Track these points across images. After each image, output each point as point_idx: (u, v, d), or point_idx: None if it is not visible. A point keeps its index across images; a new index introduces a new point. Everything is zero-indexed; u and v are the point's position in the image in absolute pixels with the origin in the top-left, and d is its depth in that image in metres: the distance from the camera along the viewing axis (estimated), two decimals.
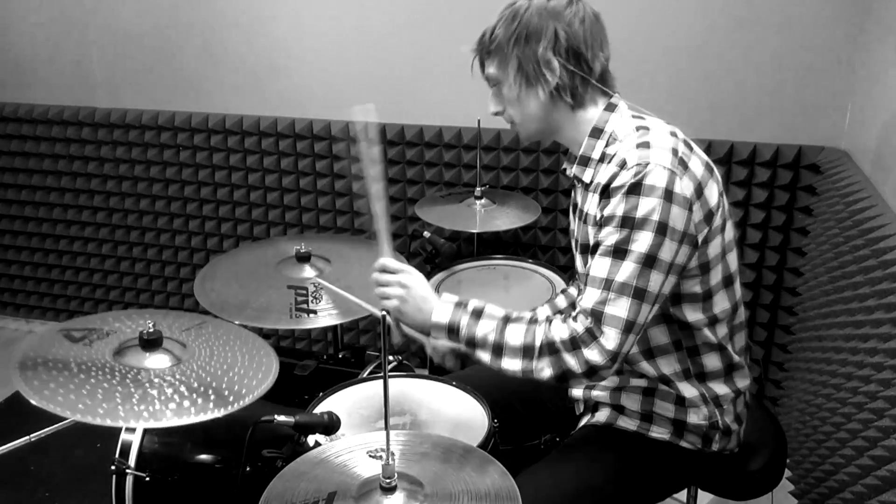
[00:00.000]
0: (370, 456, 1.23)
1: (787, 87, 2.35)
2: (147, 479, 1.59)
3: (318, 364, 2.06)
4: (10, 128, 3.13)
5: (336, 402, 1.64)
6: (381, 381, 1.40)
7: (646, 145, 1.34)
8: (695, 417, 1.48)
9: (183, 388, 1.38)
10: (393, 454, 1.18)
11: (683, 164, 1.34)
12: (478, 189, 2.47)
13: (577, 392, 1.63)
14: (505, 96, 1.47)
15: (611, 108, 1.45)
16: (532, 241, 2.74)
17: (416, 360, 2.96)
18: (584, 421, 1.61)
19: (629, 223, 1.30)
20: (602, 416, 1.56)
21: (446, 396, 1.66)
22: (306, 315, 1.80)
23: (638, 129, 1.40)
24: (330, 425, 1.41)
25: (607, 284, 1.31)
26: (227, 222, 3.04)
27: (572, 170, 1.49)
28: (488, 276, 2.37)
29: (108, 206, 3.15)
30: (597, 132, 1.44)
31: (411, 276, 1.48)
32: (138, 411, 1.32)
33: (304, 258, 2.03)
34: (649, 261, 1.30)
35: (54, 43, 2.98)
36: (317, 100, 2.78)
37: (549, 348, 1.33)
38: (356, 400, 1.65)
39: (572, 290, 1.79)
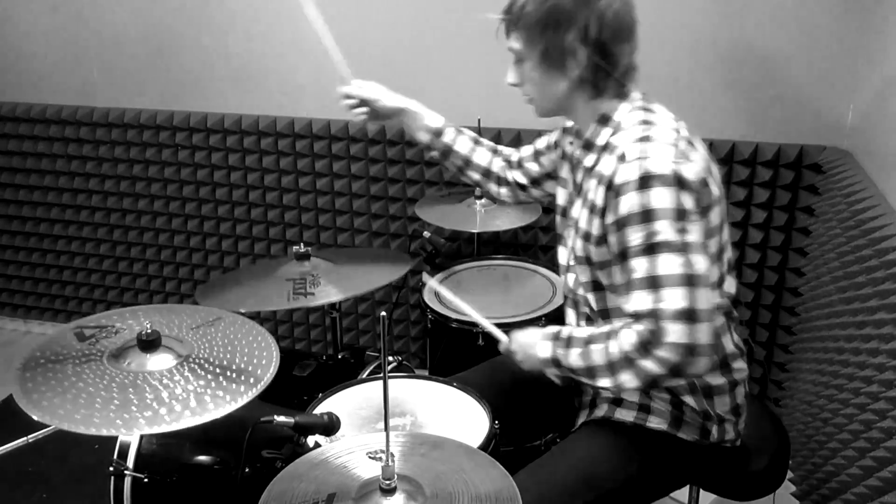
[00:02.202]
0: (370, 457, 1.22)
1: (789, 87, 2.34)
2: (145, 480, 1.58)
3: (318, 365, 2.06)
4: (7, 127, 3.11)
5: (335, 403, 1.63)
6: (380, 382, 1.39)
7: (646, 139, 1.35)
8: (689, 407, 1.49)
9: (199, 382, 1.39)
10: (393, 455, 1.17)
11: (685, 156, 1.34)
12: (478, 189, 2.46)
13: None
14: (525, 73, 1.47)
15: (622, 96, 1.45)
16: (532, 241, 2.73)
17: (416, 361, 2.96)
18: (582, 418, 1.61)
19: (648, 216, 1.29)
20: (600, 411, 1.57)
21: (447, 398, 1.65)
22: (304, 297, 1.82)
23: (642, 122, 1.40)
24: (330, 426, 1.40)
25: (653, 282, 1.29)
26: (226, 222, 3.03)
27: (574, 150, 1.51)
28: (488, 276, 2.37)
29: (106, 205, 3.14)
30: (605, 119, 1.45)
31: (516, 337, 1.54)
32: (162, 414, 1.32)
33: (303, 257, 2.02)
34: (684, 246, 1.28)
35: (52, 41, 2.97)
36: (316, 99, 2.78)
37: (626, 360, 1.33)
38: (356, 401, 1.64)
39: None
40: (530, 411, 1.74)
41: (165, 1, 2.79)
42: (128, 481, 1.58)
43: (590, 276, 1.49)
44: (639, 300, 1.31)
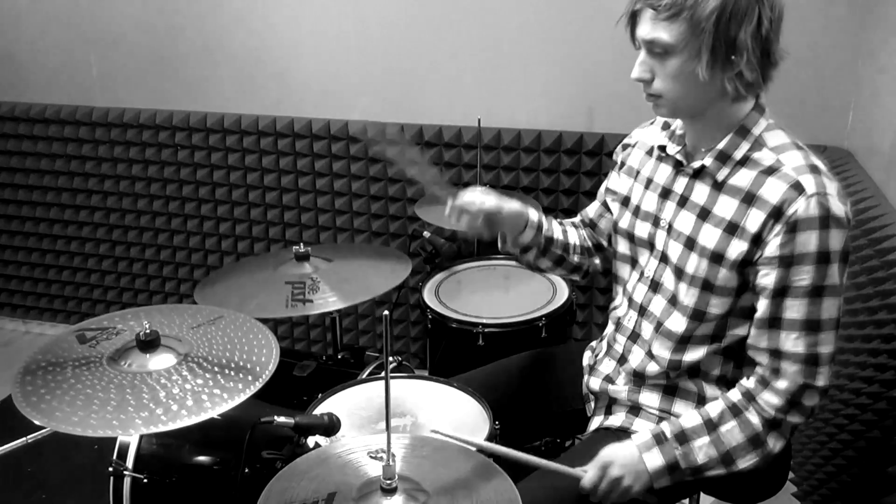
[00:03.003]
0: (371, 457, 1.22)
1: (789, 87, 2.32)
2: (145, 480, 1.57)
3: (318, 365, 2.05)
4: (6, 127, 3.11)
5: (335, 404, 1.63)
6: (380, 383, 1.39)
7: (816, 170, 1.29)
8: None
9: (197, 381, 1.39)
10: (394, 455, 1.17)
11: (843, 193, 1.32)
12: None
13: (594, 385, 1.59)
14: (668, 68, 1.32)
15: (760, 109, 1.38)
16: None
17: (416, 361, 2.95)
18: (596, 423, 1.58)
19: (824, 258, 1.26)
20: (617, 419, 1.53)
21: (447, 398, 1.65)
22: (302, 304, 1.79)
23: (797, 146, 1.34)
24: (330, 427, 1.40)
25: (812, 326, 1.28)
26: (226, 222, 3.03)
27: (675, 155, 1.43)
28: (488, 276, 2.36)
29: (105, 205, 3.13)
30: (744, 132, 1.36)
31: (615, 460, 1.36)
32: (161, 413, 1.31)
33: (302, 257, 2.01)
34: (840, 289, 1.28)
35: (52, 41, 2.97)
36: (316, 99, 2.77)
37: (772, 424, 1.32)
38: (356, 401, 1.64)
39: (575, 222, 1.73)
40: (532, 412, 1.74)
41: (165, 1, 2.79)
42: (127, 482, 1.58)
43: (694, 301, 1.39)
44: (794, 341, 1.29)
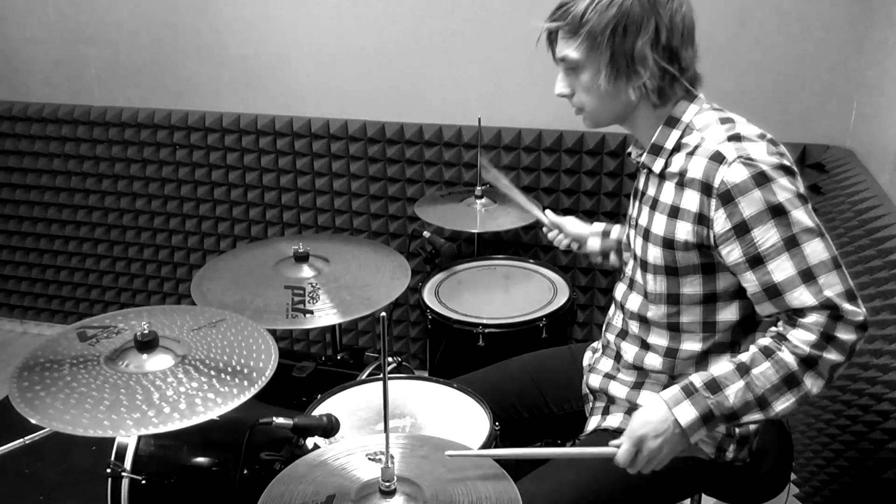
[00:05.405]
0: (369, 459, 1.21)
1: (792, 85, 2.33)
2: (143, 482, 1.57)
3: (317, 365, 2.04)
4: (4, 126, 3.10)
5: (335, 405, 1.62)
6: (380, 383, 1.39)
7: (738, 137, 1.31)
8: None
9: (192, 384, 1.37)
10: (392, 457, 1.16)
11: (775, 144, 1.32)
12: (478, 188, 2.45)
13: (594, 383, 1.59)
14: (581, 82, 1.40)
15: (690, 97, 1.41)
16: (533, 241, 2.72)
17: (416, 362, 2.94)
18: (593, 423, 1.57)
19: (778, 210, 1.25)
20: (615, 420, 1.53)
21: (447, 399, 1.64)
22: (303, 315, 1.78)
23: (722, 121, 1.36)
24: (329, 428, 1.39)
25: (807, 275, 1.24)
26: (225, 222, 3.02)
27: (640, 158, 1.45)
28: (488, 276, 2.36)
29: (103, 205, 3.12)
30: (672, 121, 1.40)
31: (644, 437, 1.30)
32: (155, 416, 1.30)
33: (301, 258, 2.00)
34: (818, 229, 1.26)
35: (50, 40, 2.96)
36: (315, 98, 2.76)
37: (807, 362, 1.25)
38: (355, 402, 1.63)
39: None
40: (531, 413, 1.73)
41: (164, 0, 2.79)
42: (125, 483, 1.58)
43: (665, 287, 1.42)
44: (800, 297, 1.25)
